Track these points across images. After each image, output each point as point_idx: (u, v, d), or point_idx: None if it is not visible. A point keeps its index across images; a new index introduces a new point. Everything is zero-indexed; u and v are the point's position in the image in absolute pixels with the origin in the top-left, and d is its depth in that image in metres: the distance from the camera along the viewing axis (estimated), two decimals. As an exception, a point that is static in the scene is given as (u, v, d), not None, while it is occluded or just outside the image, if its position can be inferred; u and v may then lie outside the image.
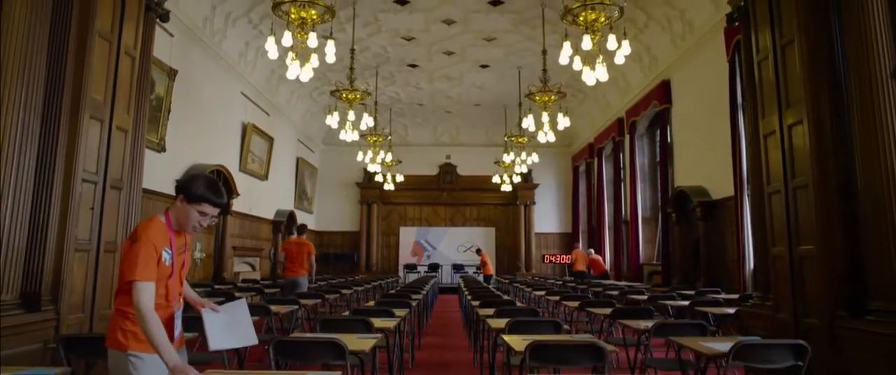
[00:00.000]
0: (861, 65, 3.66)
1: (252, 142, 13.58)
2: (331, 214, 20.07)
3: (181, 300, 2.60)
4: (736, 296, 6.89)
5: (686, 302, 6.45)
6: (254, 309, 5.12)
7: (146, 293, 2.29)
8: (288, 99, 16.02)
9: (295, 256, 8.56)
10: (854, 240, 3.74)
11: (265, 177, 14.52)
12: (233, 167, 12.24)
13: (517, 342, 3.27)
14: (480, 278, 15.58)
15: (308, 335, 3.69)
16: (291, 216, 15.57)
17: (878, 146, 3.53)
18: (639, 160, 14.33)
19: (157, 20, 5.18)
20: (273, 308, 5.23)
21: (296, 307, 5.88)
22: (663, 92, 12.41)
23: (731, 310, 5.44)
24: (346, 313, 5.19)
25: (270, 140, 14.65)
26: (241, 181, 12.49)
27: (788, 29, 4.26)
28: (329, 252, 19.35)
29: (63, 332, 3.72)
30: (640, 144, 14.45)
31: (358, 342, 3.29)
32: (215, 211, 2.52)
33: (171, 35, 9.38)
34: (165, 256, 2.41)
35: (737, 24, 5.13)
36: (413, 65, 14.57)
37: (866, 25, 3.64)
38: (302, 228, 9.21)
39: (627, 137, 14.62)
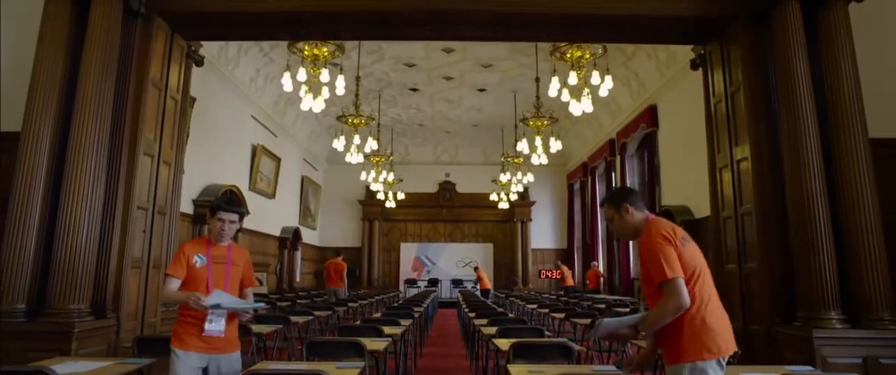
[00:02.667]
0: (789, 110, 4.43)
1: (261, 163, 14.28)
2: (333, 230, 20.66)
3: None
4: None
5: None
6: (275, 319, 5.84)
7: (168, 283, 2.95)
8: (294, 121, 16.76)
9: (332, 272, 12.58)
10: (788, 259, 4.47)
11: (272, 195, 15.19)
12: (243, 186, 12.95)
13: (504, 343, 3.99)
14: (478, 292, 16.26)
15: (334, 337, 4.40)
16: (296, 232, 16.22)
17: (802, 180, 4.28)
18: (629, 179, 14.98)
19: (194, 64, 5.91)
20: (292, 318, 5.93)
21: (310, 317, 6.58)
22: (650, 116, 13.10)
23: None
24: (357, 322, 5.89)
25: (278, 160, 15.35)
26: (250, 200, 13.17)
27: (736, 78, 5.02)
28: (331, 267, 19.99)
29: (122, 336, 4.43)
30: (631, 164, 15.12)
31: (373, 343, 3.99)
32: (230, 216, 3.04)
33: (191, 66, 10.13)
34: (197, 260, 2.97)
35: (699, 68, 5.87)
36: (414, 89, 15.33)
37: (792, 74, 4.41)
38: (338, 252, 12.70)
39: (618, 158, 15.29)
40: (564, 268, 16.73)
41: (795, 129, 4.36)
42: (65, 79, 4.45)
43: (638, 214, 2.61)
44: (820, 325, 4.05)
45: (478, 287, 17.18)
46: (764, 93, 4.76)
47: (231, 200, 3.12)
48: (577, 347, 3.63)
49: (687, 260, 2.44)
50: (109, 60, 4.49)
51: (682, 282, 2.37)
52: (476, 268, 17.69)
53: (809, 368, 3.21)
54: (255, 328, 4.98)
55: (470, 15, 4.98)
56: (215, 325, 2.88)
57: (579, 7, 5.01)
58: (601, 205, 2.76)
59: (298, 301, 10.39)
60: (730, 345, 2.45)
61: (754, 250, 4.74)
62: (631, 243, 14.93)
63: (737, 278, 4.98)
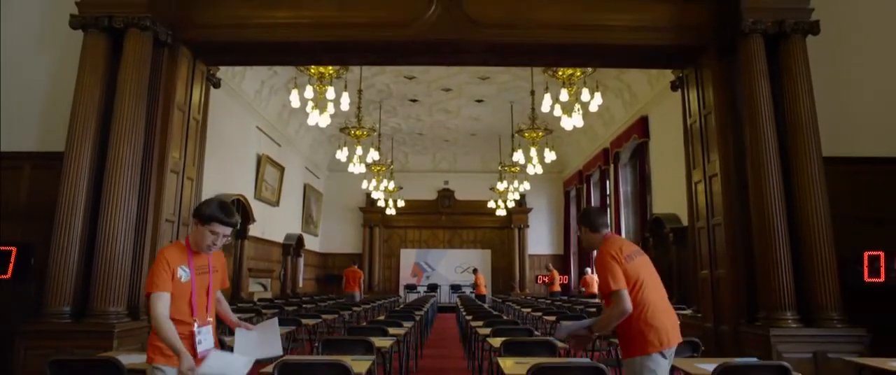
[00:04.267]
0: (753, 131, 4.96)
1: (266, 172, 14.76)
2: (335, 237, 21.06)
3: (210, 318, 2.78)
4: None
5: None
6: (288, 322, 6.32)
7: (159, 301, 2.56)
8: (297, 130, 17.23)
9: (350, 279, 14.56)
10: (752, 266, 4.98)
11: (277, 203, 15.65)
12: (250, 195, 13.42)
13: (496, 341, 4.50)
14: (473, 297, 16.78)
15: (344, 336, 4.89)
16: (299, 239, 16.67)
17: (764, 195, 4.80)
18: (622, 188, 15.43)
19: (212, 86, 6.42)
20: (304, 321, 6.42)
21: (318, 320, 7.07)
22: (642, 127, 13.55)
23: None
24: (364, 324, 6.38)
25: (281, 169, 15.82)
26: (256, 208, 13.63)
27: (708, 101, 5.55)
28: (333, 273, 20.43)
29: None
30: (624, 173, 15.56)
31: (380, 341, 4.49)
32: (225, 229, 2.68)
33: (202, 82, 10.62)
34: (181, 273, 2.63)
35: (679, 89, 6.38)
36: (414, 100, 15.82)
37: (755, 99, 4.94)
38: (353, 260, 14.34)
39: (612, 166, 15.72)
40: (555, 273, 17.23)
41: (758, 149, 4.89)
42: (102, 104, 4.96)
43: (595, 234, 3.20)
44: (777, 324, 4.57)
45: (473, 292, 17.66)
46: (732, 115, 5.28)
47: (227, 210, 2.73)
48: (559, 344, 4.13)
49: (631, 273, 2.99)
50: (141, 87, 5.01)
51: (624, 293, 2.92)
52: (475, 271, 18.15)
53: (754, 360, 3.70)
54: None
55: (468, 45, 5.51)
56: (205, 345, 2.71)
57: (568, 38, 5.53)
58: None
59: (304, 305, 10.87)
60: (671, 339, 3.00)
61: (723, 258, 5.26)
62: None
63: (709, 283, 5.50)
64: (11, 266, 4.57)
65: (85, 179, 4.77)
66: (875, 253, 4.77)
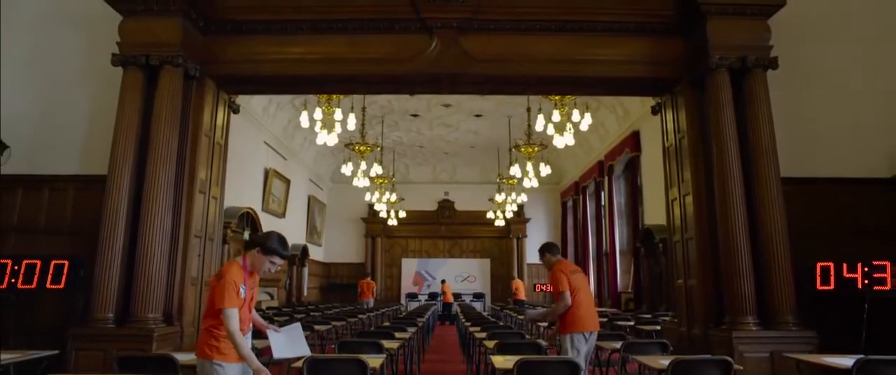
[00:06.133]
0: (719, 155, 5.56)
1: (273, 185, 15.33)
2: (338, 247, 21.56)
3: (250, 325, 3.29)
4: (677, 318, 8.65)
5: (632, 322, 8.26)
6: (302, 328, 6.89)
7: (233, 317, 3.02)
8: (301, 144, 17.80)
9: (365, 289, 16.80)
10: (719, 276, 5.56)
11: (283, 215, 16.18)
12: (258, 208, 13.98)
13: (491, 343, 5.08)
14: (477, 302, 17.50)
15: (358, 339, 5.48)
16: (304, 250, 17.22)
17: (728, 212, 5.40)
18: (616, 199, 15.99)
19: (232, 112, 7.02)
20: (316, 327, 7.01)
21: (328, 326, 7.65)
22: (634, 141, 14.10)
23: (659, 327, 7.25)
24: (372, 328, 6.95)
25: (287, 182, 16.38)
26: (264, 220, 14.17)
27: (682, 126, 6.16)
28: (336, 282, 20.96)
29: (184, 340, 5.50)
30: (618, 185, 16.12)
31: (388, 344, 5.07)
32: (282, 261, 3.25)
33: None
34: (241, 290, 3.11)
35: (658, 114, 6.98)
36: (415, 115, 16.42)
37: (721, 127, 5.54)
38: (366, 273, 15.70)
39: (606, 178, 16.27)
40: (517, 281, 17.92)
41: (723, 171, 5.50)
42: (139, 132, 5.57)
43: (553, 258, 5.12)
44: (739, 328, 5.15)
45: (442, 300, 18.37)
46: (702, 141, 5.89)
47: (286, 245, 3.29)
48: (545, 345, 4.73)
49: (572, 283, 4.79)
50: (174, 117, 5.62)
51: (567, 294, 4.76)
52: (443, 281, 18.83)
53: (707, 356, 4.27)
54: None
55: (465, 77, 6.12)
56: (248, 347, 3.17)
57: (557, 71, 6.15)
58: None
59: (311, 313, 11.41)
60: (588, 326, 4.77)
61: (695, 268, 5.85)
62: (617, 261, 16.13)
63: (683, 291, 6.09)
64: (65, 277, 5.16)
65: (125, 200, 5.36)
66: (826, 263, 5.35)
